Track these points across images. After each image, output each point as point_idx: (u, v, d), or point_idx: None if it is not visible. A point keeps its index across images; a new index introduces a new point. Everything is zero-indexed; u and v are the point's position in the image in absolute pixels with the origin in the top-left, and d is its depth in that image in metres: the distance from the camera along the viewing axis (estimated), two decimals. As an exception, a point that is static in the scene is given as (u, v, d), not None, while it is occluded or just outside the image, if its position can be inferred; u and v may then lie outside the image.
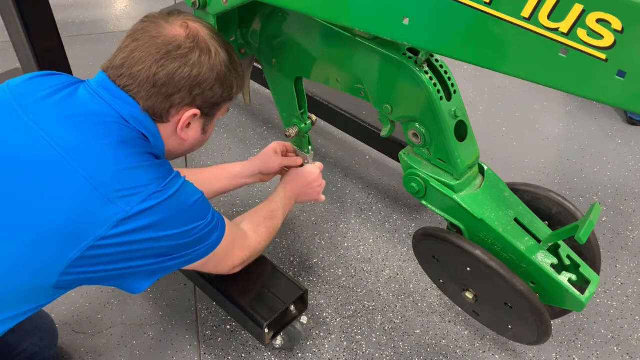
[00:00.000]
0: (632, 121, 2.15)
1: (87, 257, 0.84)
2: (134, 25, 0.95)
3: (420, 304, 1.49)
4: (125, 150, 0.89)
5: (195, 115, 0.96)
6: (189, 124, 0.98)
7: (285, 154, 1.43)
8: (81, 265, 0.85)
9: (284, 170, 1.43)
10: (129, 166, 0.87)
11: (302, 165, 1.41)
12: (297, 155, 1.43)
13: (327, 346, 1.39)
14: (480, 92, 2.29)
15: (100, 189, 0.84)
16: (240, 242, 1.14)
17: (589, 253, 1.08)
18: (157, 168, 0.91)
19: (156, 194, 0.87)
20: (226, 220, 1.07)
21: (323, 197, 1.41)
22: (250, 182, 1.43)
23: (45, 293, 0.90)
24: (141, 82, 0.90)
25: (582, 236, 0.90)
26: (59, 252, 0.84)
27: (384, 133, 1.12)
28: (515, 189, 1.11)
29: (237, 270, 1.16)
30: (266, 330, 1.20)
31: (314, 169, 1.37)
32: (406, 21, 0.76)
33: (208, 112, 0.99)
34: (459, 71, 2.22)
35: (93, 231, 0.83)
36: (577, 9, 0.60)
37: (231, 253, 1.11)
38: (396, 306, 1.48)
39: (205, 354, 1.37)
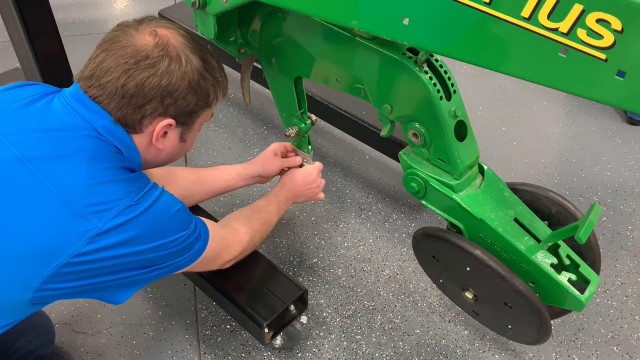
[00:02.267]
0: (632, 121, 2.15)
1: (61, 274, 0.83)
2: (106, 35, 0.93)
3: (420, 304, 1.49)
4: (98, 165, 0.87)
5: (170, 125, 0.94)
6: (166, 133, 0.96)
7: (285, 154, 1.43)
8: (56, 282, 0.84)
9: (283, 172, 1.43)
10: (102, 181, 0.86)
11: (301, 166, 1.41)
12: (296, 154, 1.43)
13: (327, 346, 1.39)
14: (480, 92, 2.29)
15: (72, 206, 0.83)
16: (229, 241, 1.14)
17: (589, 253, 1.08)
18: (130, 182, 0.89)
19: (130, 208, 0.86)
20: (212, 223, 1.06)
21: (322, 196, 1.40)
22: (250, 183, 1.43)
23: (21, 309, 0.89)
24: (110, 93, 0.89)
25: (582, 236, 0.90)
26: (32, 270, 0.83)
27: (384, 133, 1.12)
28: (515, 189, 1.11)
29: (230, 265, 1.17)
30: (266, 330, 1.20)
31: (312, 169, 1.37)
32: (406, 21, 0.76)
33: (185, 121, 0.97)
34: (459, 71, 2.22)
35: (67, 249, 0.82)
36: (577, 9, 0.60)
37: (220, 254, 1.10)
38: (396, 306, 1.48)
39: (205, 354, 1.37)
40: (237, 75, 1.39)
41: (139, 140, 0.95)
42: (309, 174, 1.36)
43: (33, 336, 1.19)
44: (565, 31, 0.62)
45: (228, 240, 1.13)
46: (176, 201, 0.95)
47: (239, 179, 1.40)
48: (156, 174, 1.27)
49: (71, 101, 0.91)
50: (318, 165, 1.40)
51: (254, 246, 1.22)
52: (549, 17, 0.62)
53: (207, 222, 1.06)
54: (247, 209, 1.25)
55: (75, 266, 0.83)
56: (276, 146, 1.42)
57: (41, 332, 1.22)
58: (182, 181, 1.35)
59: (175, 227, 0.93)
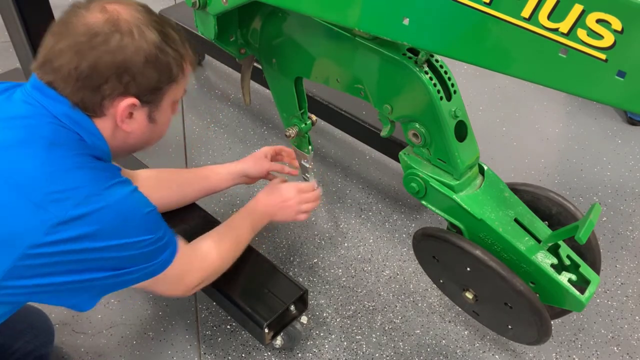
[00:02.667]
0: (632, 121, 2.15)
1: (21, 267, 0.80)
2: (57, 19, 0.89)
3: (420, 304, 1.49)
4: (58, 152, 0.83)
5: (133, 105, 0.88)
6: (131, 114, 0.90)
7: (275, 158, 1.43)
8: (16, 277, 0.81)
9: (271, 175, 1.43)
10: (62, 168, 0.82)
11: (304, 173, 1.41)
12: (296, 154, 1.43)
13: (327, 346, 1.39)
14: (480, 92, 2.29)
15: (30, 195, 0.79)
16: (198, 264, 1.08)
17: (589, 253, 1.07)
18: (96, 171, 0.85)
19: (93, 197, 0.81)
20: (182, 241, 1.02)
21: (303, 217, 1.32)
22: (237, 182, 1.42)
23: None
24: (64, 76, 0.84)
25: (582, 236, 0.90)
26: None
27: (384, 133, 1.12)
28: (515, 189, 1.11)
29: (193, 292, 1.10)
30: (266, 330, 1.20)
31: (291, 186, 1.31)
32: (406, 21, 0.76)
33: (149, 99, 0.90)
34: (458, 71, 2.22)
35: (25, 239, 0.79)
36: (577, 9, 0.60)
37: (186, 275, 1.05)
38: (396, 306, 1.48)
39: (205, 354, 1.37)
40: (237, 75, 1.39)
41: (103, 124, 0.89)
42: (287, 191, 1.29)
43: (32, 336, 1.19)
44: (565, 31, 0.62)
45: (196, 262, 1.08)
46: (148, 202, 0.91)
47: (227, 177, 1.39)
48: (143, 180, 1.25)
49: (30, 90, 0.87)
50: (306, 185, 1.34)
51: (224, 269, 1.17)
52: (548, 17, 0.62)
53: (178, 239, 1.01)
54: (221, 226, 1.20)
55: (35, 258, 0.79)
56: (267, 148, 1.41)
57: (40, 332, 1.22)
58: (171, 184, 1.35)
59: (143, 228, 0.88)
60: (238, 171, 1.39)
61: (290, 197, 1.29)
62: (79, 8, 0.87)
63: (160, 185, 1.33)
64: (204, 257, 1.11)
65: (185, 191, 1.37)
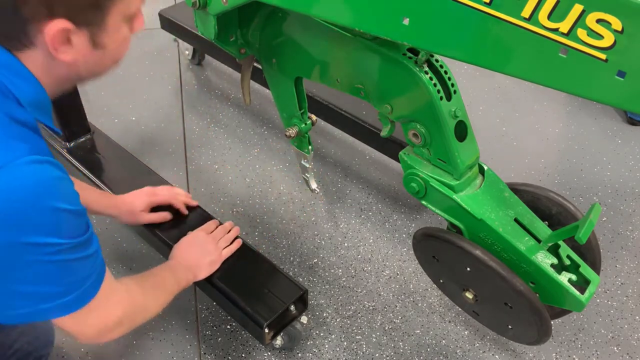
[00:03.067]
0: (632, 121, 2.15)
1: None
2: None
3: (420, 304, 1.49)
4: None
5: (66, 29, 0.70)
6: (69, 39, 0.72)
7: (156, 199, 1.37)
8: None
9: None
10: None
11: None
12: (296, 154, 1.43)
13: (327, 346, 1.39)
14: (480, 92, 2.29)
15: None
16: (120, 297, 0.91)
17: (589, 253, 1.08)
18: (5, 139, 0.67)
19: None
20: (107, 271, 0.87)
21: (226, 254, 1.26)
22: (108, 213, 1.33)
23: None
24: None
25: (582, 236, 0.90)
26: None
27: (384, 133, 1.12)
28: (515, 189, 1.11)
29: (108, 336, 0.90)
30: (266, 330, 1.20)
31: (207, 240, 1.24)
32: (406, 21, 0.76)
33: (87, 20, 0.72)
34: (458, 71, 2.22)
35: None
36: (577, 9, 0.60)
37: (103, 306, 0.86)
38: (396, 306, 1.48)
39: (205, 353, 1.37)
40: (237, 75, 1.38)
41: (33, 58, 0.72)
42: (205, 244, 1.24)
43: (33, 337, 1.19)
44: (565, 31, 0.62)
45: (118, 295, 0.91)
46: (76, 198, 0.74)
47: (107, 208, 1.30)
48: None
49: None
50: (222, 228, 1.29)
51: (147, 313, 1.01)
52: (548, 17, 0.62)
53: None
54: (148, 280, 1.06)
55: None
56: (149, 190, 1.36)
57: (41, 334, 1.22)
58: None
59: (60, 226, 0.71)
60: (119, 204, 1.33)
61: (210, 252, 1.25)
62: None
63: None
64: (128, 290, 0.95)
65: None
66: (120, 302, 0.91)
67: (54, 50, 0.71)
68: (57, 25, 0.69)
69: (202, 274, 1.23)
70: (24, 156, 0.67)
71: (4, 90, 0.70)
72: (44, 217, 0.70)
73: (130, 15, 0.78)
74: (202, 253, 1.25)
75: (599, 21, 0.59)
